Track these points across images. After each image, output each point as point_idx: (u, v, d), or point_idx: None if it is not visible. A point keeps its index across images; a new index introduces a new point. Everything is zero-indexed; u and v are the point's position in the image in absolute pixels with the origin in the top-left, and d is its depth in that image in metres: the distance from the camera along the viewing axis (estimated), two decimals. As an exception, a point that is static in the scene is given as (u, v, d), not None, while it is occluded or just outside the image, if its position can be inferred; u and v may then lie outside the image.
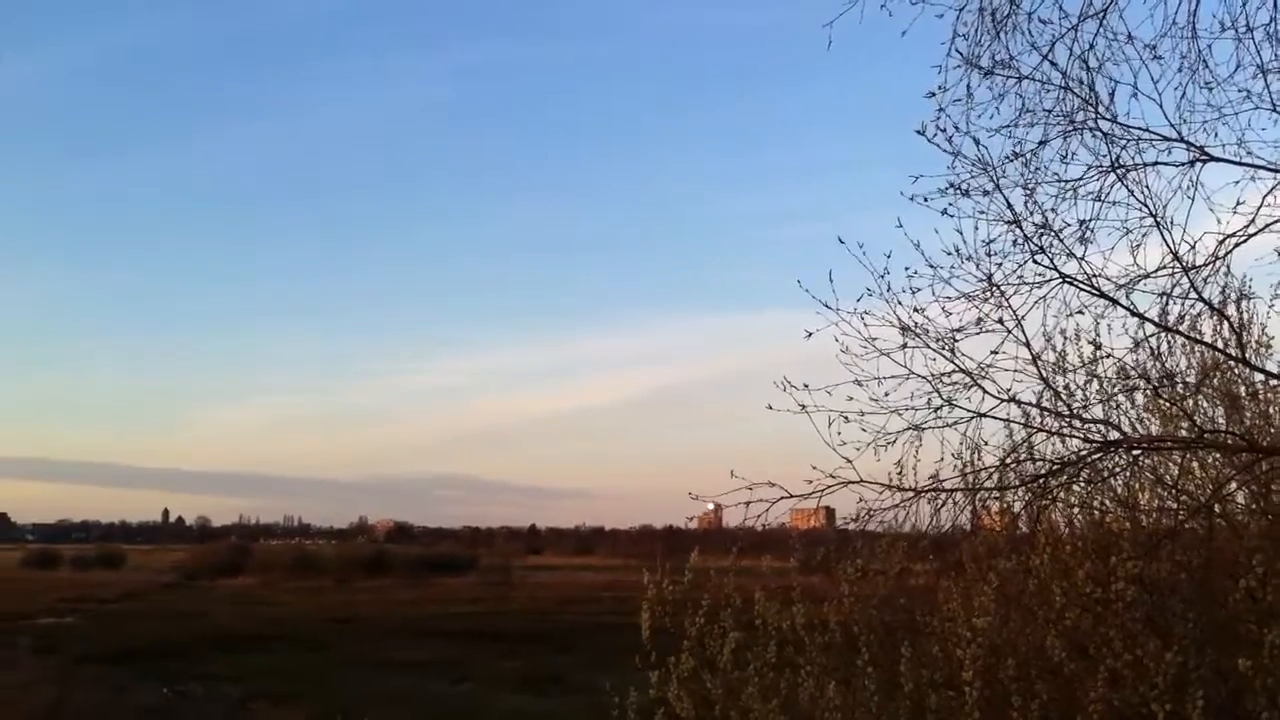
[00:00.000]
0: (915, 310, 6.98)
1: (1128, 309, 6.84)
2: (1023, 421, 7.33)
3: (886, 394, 7.06)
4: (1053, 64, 6.74)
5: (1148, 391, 7.91)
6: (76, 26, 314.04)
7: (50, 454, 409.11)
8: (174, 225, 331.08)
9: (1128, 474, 7.98)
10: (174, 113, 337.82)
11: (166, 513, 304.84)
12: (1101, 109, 6.69)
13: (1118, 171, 6.61)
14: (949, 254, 6.87)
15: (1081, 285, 6.73)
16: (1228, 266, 7.15)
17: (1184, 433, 7.69)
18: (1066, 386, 7.49)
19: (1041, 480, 7.27)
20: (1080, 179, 6.76)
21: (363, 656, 37.30)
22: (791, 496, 7.12)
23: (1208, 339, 7.92)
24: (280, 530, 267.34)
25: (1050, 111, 6.81)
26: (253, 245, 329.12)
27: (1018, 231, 6.72)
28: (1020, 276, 6.83)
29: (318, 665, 35.24)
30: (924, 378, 7.00)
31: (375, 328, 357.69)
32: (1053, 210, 6.81)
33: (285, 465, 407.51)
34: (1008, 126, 6.85)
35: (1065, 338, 7.45)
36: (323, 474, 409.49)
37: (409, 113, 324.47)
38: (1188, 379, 8.12)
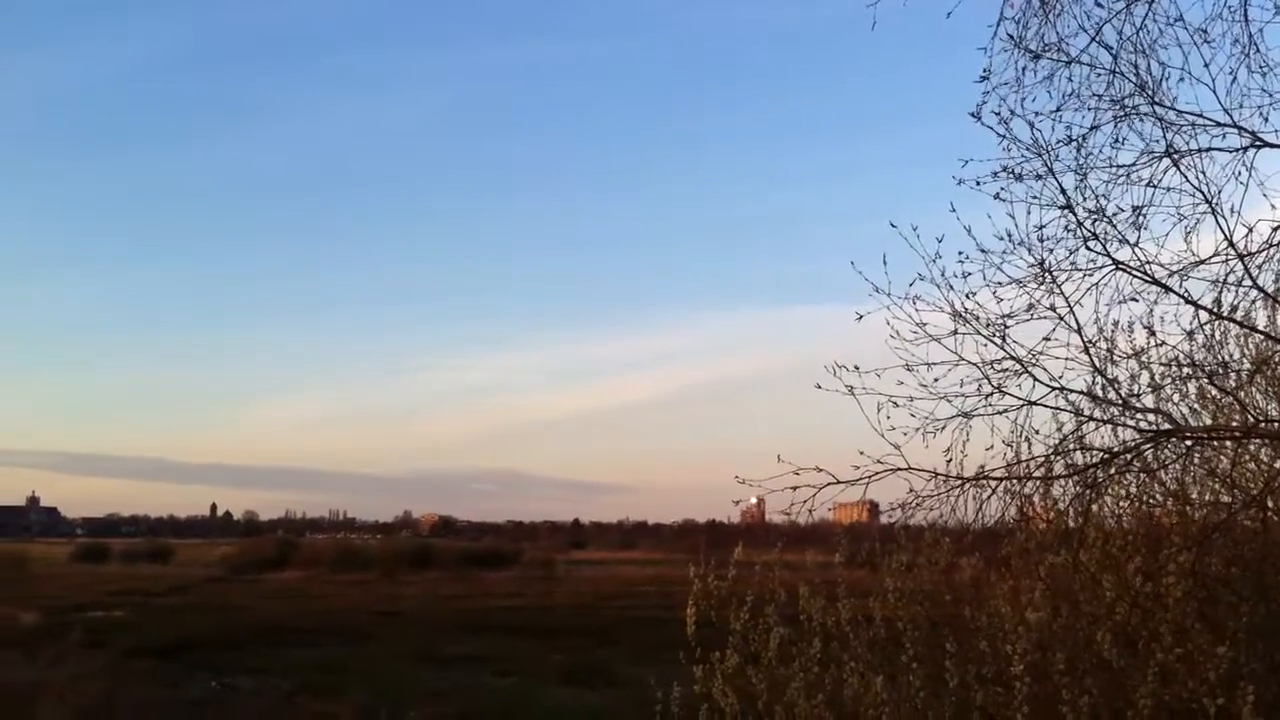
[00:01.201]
0: (967, 296, 6.91)
1: (1181, 296, 6.73)
2: (1072, 410, 7.23)
3: (936, 380, 7.00)
4: (1103, 46, 6.64)
5: (1201, 381, 7.78)
6: (120, 26, 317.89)
7: (100, 449, 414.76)
8: (221, 221, 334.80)
9: (1179, 466, 7.84)
10: (222, 108, 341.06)
11: (214, 507, 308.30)
12: (1153, 93, 6.58)
13: (1171, 157, 6.49)
14: (1000, 239, 6.79)
15: (1134, 272, 6.62)
16: (1283, 254, 7.00)
17: (1237, 424, 7.55)
18: (1114, 378, 7.37)
19: (1091, 471, 7.15)
20: (1133, 164, 6.64)
21: (408, 650, 37.44)
22: (838, 482, 7.05)
23: (1262, 327, 7.76)
24: (326, 525, 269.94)
25: (1100, 96, 6.70)
26: (300, 241, 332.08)
27: (1070, 217, 6.63)
28: (1072, 263, 6.74)
29: (364, 659, 35.38)
30: (974, 364, 6.93)
31: (422, 322, 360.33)
32: (1105, 196, 6.71)
33: (331, 460, 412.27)
34: (1057, 111, 6.75)
35: (1116, 327, 7.34)
36: (368, 469, 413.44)
37: (447, 108, 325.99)
38: (1241, 369, 7.96)
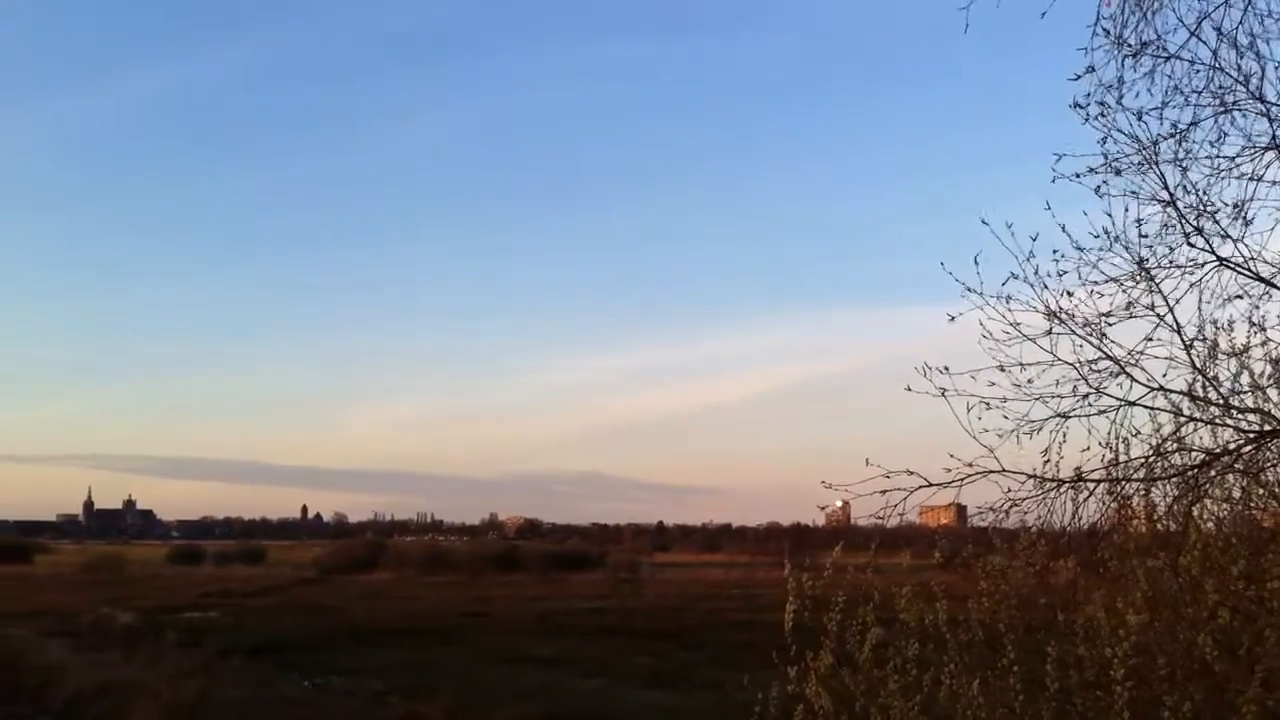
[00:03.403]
0: (1062, 295, 6.82)
1: (1286, 293, 6.59)
2: (1172, 411, 7.10)
3: (1030, 380, 6.92)
4: (1203, 41, 6.53)
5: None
6: (239, 32, 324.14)
7: (195, 453, 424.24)
8: (318, 224, 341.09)
9: (1282, 467, 7.68)
10: (321, 114, 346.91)
11: (305, 509, 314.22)
12: (1255, 87, 6.46)
13: (1276, 150, 6.37)
14: (1096, 236, 6.70)
15: (1238, 268, 6.50)
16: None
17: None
18: (1215, 376, 7.23)
19: (1192, 473, 7.03)
20: (1235, 158, 6.52)
21: (495, 651, 37.76)
22: (931, 485, 7.00)
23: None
24: (413, 527, 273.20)
25: (1201, 91, 6.60)
26: (396, 246, 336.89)
27: (1171, 212, 6.52)
28: (1171, 260, 6.63)
29: (452, 659, 35.75)
30: (1071, 364, 6.83)
31: (510, 327, 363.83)
32: (1206, 192, 6.60)
33: (419, 462, 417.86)
34: (1158, 108, 6.65)
35: (1217, 326, 7.20)
36: (455, 471, 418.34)
37: (550, 110, 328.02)
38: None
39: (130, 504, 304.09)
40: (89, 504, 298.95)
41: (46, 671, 31.70)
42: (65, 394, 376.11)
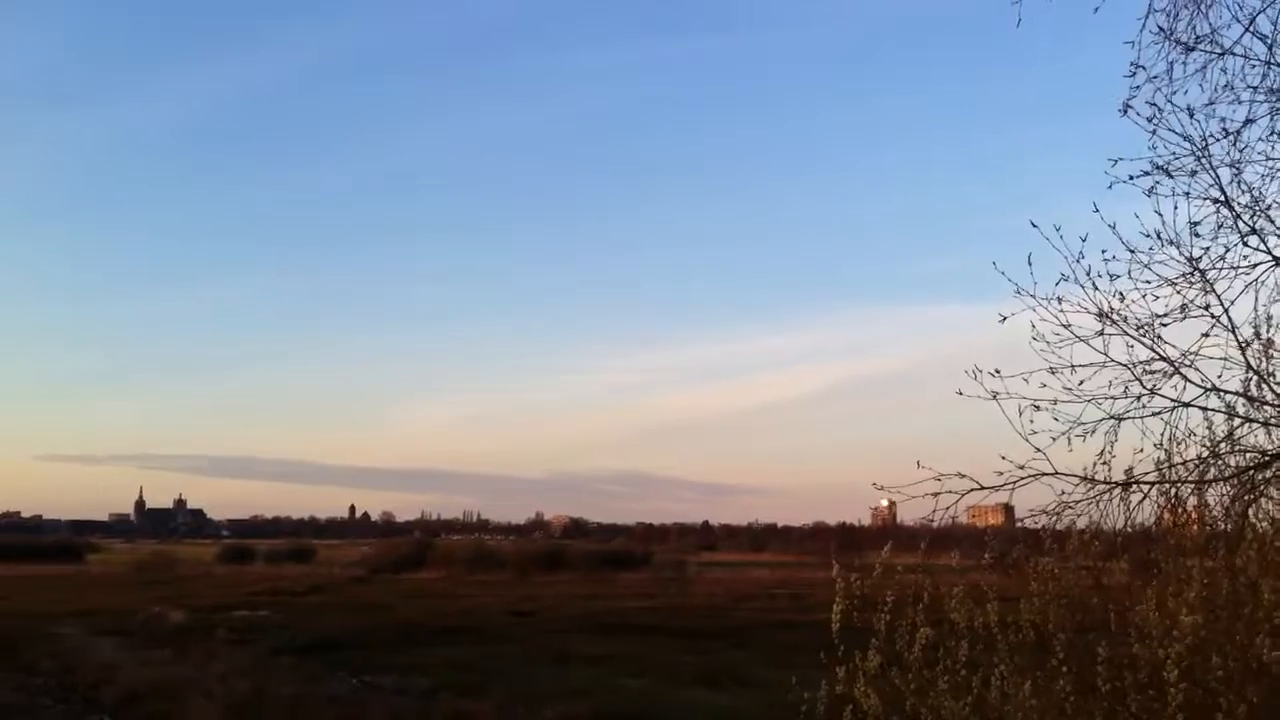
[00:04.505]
0: (1114, 295, 6.75)
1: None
2: (1227, 412, 7.03)
3: (1081, 382, 6.87)
4: (1258, 37, 6.46)
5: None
6: (285, 35, 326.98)
7: (245, 453, 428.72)
8: (367, 225, 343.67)
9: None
10: (371, 114, 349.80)
11: (353, 509, 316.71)
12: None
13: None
14: (1148, 237, 6.64)
15: (1295, 268, 6.43)
16: None
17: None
18: (1271, 375, 7.15)
19: (1248, 474, 6.96)
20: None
21: (543, 650, 37.82)
22: (982, 488, 6.98)
23: None
24: (460, 526, 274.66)
25: (1256, 88, 6.52)
26: (443, 245, 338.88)
27: (1226, 212, 6.45)
28: (1225, 260, 6.55)
29: (500, 658, 35.85)
30: (1124, 365, 6.77)
31: (556, 327, 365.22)
32: (1261, 191, 6.52)
33: (465, 462, 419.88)
34: (1210, 104, 6.58)
35: (1273, 325, 7.12)
36: (501, 470, 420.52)
37: (595, 111, 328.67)
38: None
39: (181, 503, 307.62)
40: (140, 503, 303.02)
41: (99, 670, 32.08)
42: (117, 396, 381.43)
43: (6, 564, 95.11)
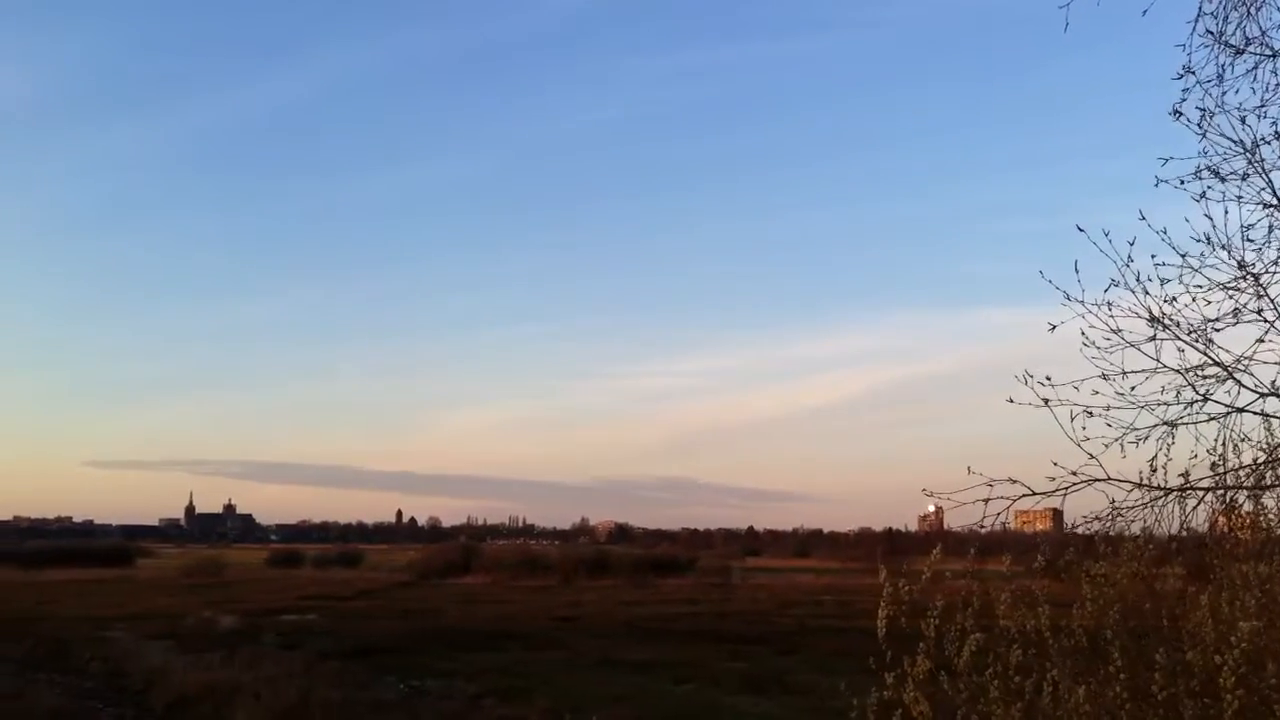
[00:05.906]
0: (1165, 301, 6.70)
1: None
2: (1282, 417, 6.95)
3: (1133, 388, 6.82)
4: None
5: None
6: (320, 50, 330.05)
7: (293, 458, 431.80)
8: (415, 236, 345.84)
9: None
10: (405, 128, 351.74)
11: (400, 514, 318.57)
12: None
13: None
14: (1198, 241, 6.58)
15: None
16: None
17: None
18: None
19: (1305, 479, 6.89)
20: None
21: (588, 655, 37.90)
22: (1035, 494, 6.93)
23: None
24: (505, 531, 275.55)
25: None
26: (487, 252, 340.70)
27: (1278, 216, 6.39)
28: (1278, 264, 6.49)
29: (545, 663, 35.93)
30: (1177, 370, 6.72)
31: (600, 332, 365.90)
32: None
33: (511, 468, 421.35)
34: (1261, 107, 6.52)
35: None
36: (546, 476, 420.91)
37: (623, 118, 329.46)
38: None
39: (230, 508, 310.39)
40: (190, 508, 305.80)
41: (150, 673, 32.47)
42: (169, 403, 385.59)
43: (58, 568, 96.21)
